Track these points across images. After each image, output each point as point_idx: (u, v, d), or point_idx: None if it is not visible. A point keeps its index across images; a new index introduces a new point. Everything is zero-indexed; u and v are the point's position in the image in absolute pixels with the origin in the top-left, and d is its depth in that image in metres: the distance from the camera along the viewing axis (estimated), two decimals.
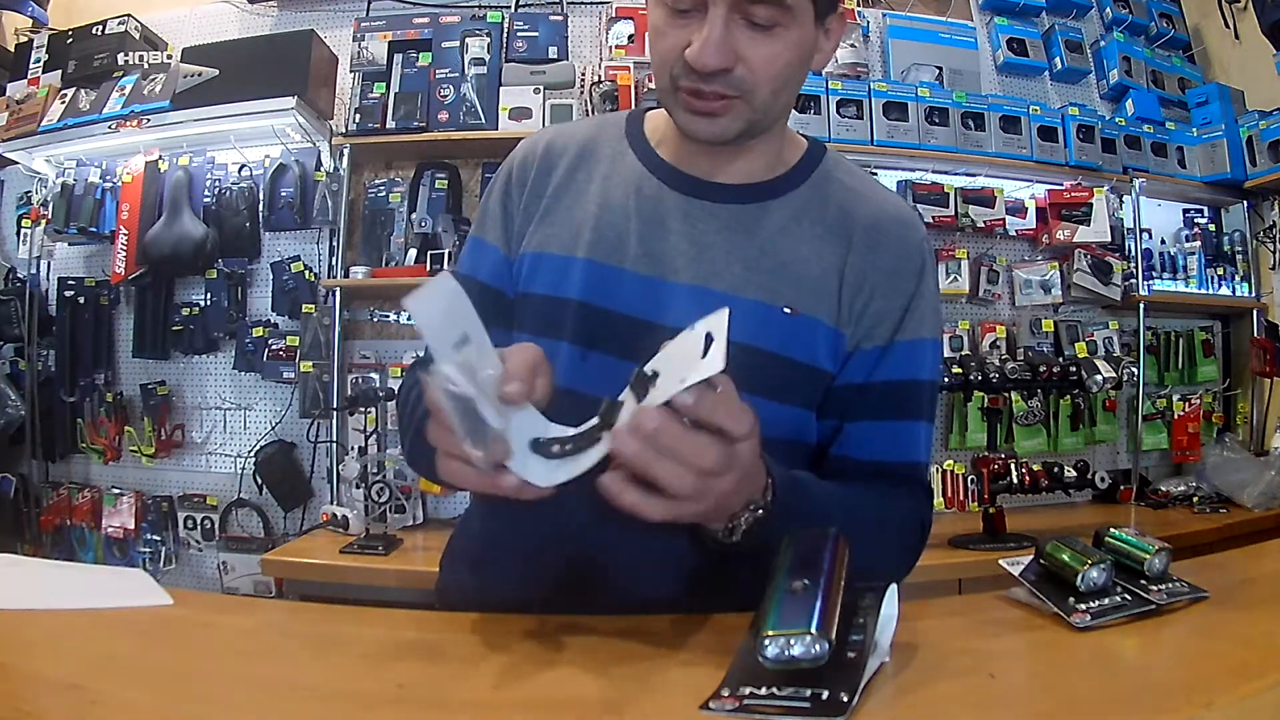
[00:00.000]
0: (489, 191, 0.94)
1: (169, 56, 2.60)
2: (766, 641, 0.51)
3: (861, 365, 0.83)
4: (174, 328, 2.59)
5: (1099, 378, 2.16)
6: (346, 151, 2.51)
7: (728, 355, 0.55)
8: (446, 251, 2.40)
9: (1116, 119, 2.79)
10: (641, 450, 0.55)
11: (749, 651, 0.52)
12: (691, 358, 0.57)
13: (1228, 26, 2.96)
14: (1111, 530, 0.71)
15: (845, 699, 0.49)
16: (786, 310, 0.81)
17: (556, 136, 0.93)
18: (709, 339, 0.57)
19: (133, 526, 2.56)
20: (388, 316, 2.59)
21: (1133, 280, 2.69)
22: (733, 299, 0.78)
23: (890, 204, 0.89)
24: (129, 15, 2.62)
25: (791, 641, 0.50)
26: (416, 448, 0.79)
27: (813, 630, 0.50)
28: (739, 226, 0.84)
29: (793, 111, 2.81)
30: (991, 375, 2.17)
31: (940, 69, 2.71)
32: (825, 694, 0.49)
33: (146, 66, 2.57)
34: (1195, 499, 2.50)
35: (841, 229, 0.85)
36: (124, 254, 2.54)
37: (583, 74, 2.59)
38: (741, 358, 0.77)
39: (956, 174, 2.63)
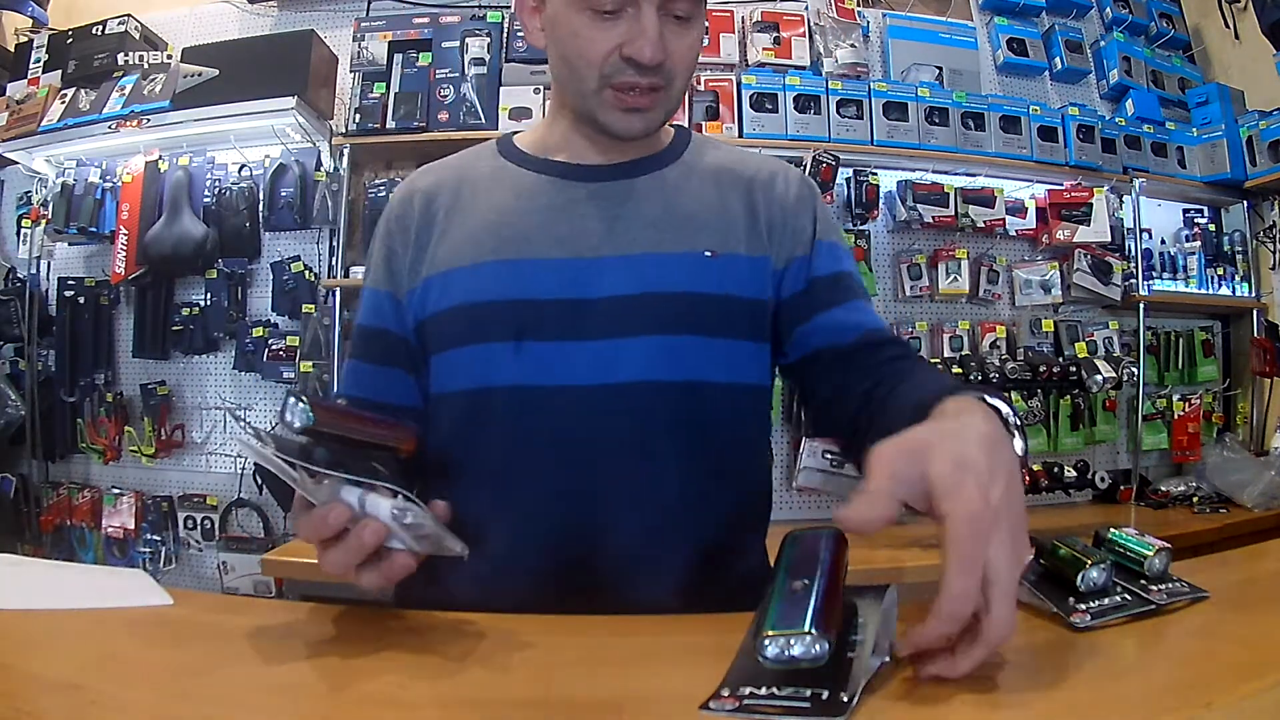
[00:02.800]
0: (373, 240, 0.96)
1: (169, 56, 2.60)
2: (766, 641, 0.50)
3: (799, 272, 0.91)
4: (174, 328, 2.60)
5: (1099, 378, 2.16)
6: (346, 151, 2.51)
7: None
8: None
9: (1116, 119, 2.79)
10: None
11: (749, 651, 0.52)
12: None
13: (1228, 26, 2.96)
14: (1111, 530, 0.71)
15: (845, 699, 0.49)
16: (708, 254, 0.87)
17: (429, 173, 0.96)
18: None
19: (133, 526, 2.56)
20: None
21: (1133, 280, 2.68)
22: (654, 257, 0.84)
23: (764, 158, 0.98)
24: (129, 15, 2.62)
25: (791, 641, 0.50)
26: None
27: (812, 630, 0.50)
28: (638, 195, 0.89)
29: (792, 111, 2.78)
30: (991, 375, 2.17)
31: (940, 69, 2.71)
32: (825, 694, 0.49)
33: (146, 66, 2.57)
34: (1195, 499, 2.50)
35: (733, 178, 0.92)
36: (124, 254, 2.54)
37: None
38: (679, 304, 0.84)
39: (956, 174, 2.63)
